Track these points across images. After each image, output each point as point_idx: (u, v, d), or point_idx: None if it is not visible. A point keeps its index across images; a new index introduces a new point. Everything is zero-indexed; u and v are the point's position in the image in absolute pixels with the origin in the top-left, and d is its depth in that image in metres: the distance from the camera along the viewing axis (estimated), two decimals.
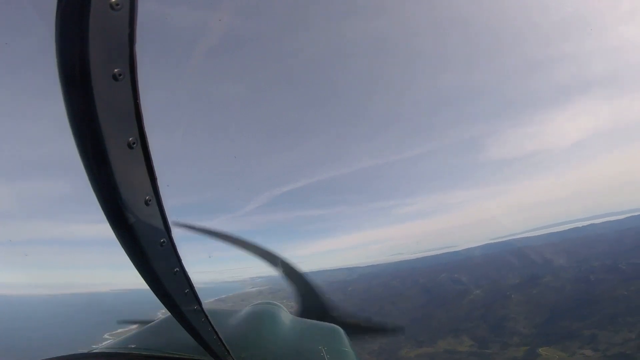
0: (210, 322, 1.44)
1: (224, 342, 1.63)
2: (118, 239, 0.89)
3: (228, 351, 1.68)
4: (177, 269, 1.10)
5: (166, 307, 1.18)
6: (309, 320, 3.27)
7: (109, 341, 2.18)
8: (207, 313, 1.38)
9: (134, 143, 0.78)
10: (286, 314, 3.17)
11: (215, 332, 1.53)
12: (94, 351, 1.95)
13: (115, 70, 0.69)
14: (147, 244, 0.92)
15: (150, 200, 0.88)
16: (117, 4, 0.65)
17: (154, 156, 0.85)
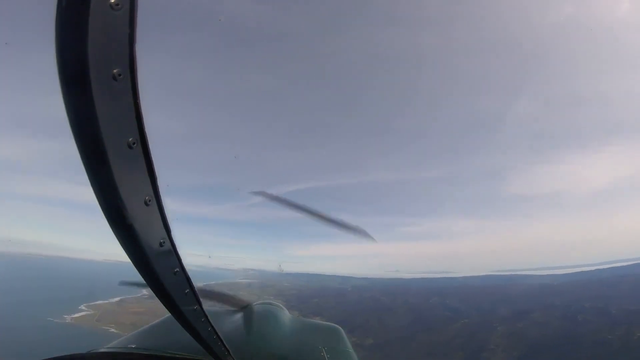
0: (210, 322, 1.44)
1: (224, 342, 1.63)
2: (118, 239, 0.89)
3: (228, 351, 1.68)
4: (177, 269, 1.10)
5: (166, 307, 1.18)
6: (308, 320, 3.27)
7: (112, 342, 2.18)
8: (207, 313, 1.38)
9: (134, 143, 0.78)
10: (286, 314, 3.17)
11: (215, 332, 1.53)
12: (94, 351, 1.95)
13: (115, 70, 0.69)
14: (147, 244, 0.92)
15: (150, 200, 0.88)
16: (117, 4, 0.65)
17: (154, 156, 0.85)
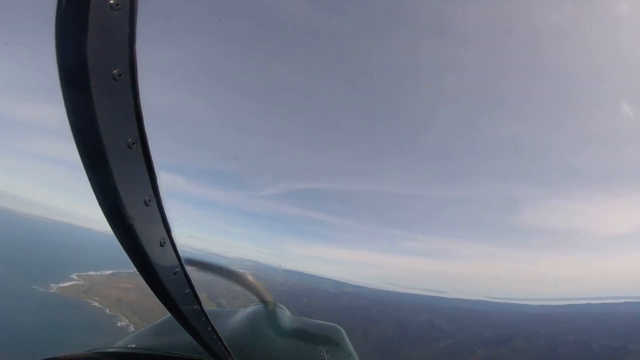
0: (210, 322, 1.44)
1: (224, 342, 1.63)
2: (118, 239, 0.89)
3: (228, 351, 1.68)
4: (177, 269, 1.10)
5: (166, 307, 1.18)
6: (309, 320, 3.27)
7: (109, 342, 2.18)
8: (207, 313, 1.38)
9: (134, 143, 0.78)
10: (286, 314, 3.17)
11: (215, 332, 1.53)
12: (94, 351, 1.95)
13: (115, 70, 0.69)
14: (147, 244, 0.92)
15: (150, 200, 0.88)
16: (117, 4, 0.65)
17: (153, 156, 0.85)
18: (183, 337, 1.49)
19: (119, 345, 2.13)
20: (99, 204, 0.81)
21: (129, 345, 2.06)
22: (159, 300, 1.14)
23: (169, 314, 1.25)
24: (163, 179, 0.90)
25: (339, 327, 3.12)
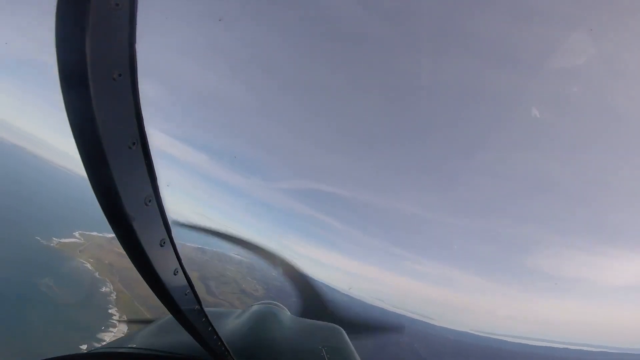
0: (210, 322, 1.44)
1: (224, 342, 1.63)
2: (118, 238, 0.89)
3: (228, 351, 1.68)
4: (177, 269, 1.10)
5: (166, 307, 1.18)
6: (309, 320, 3.27)
7: (112, 342, 2.18)
8: (207, 313, 1.38)
9: (134, 143, 0.78)
10: (286, 314, 3.17)
11: (215, 332, 1.53)
12: (94, 351, 1.96)
13: (115, 70, 0.69)
14: (147, 244, 0.92)
15: (150, 200, 0.88)
16: (117, 4, 0.65)
17: (154, 156, 0.85)
18: (183, 337, 1.50)
19: (119, 345, 2.13)
20: (99, 203, 0.81)
21: (129, 345, 2.07)
22: (159, 300, 1.14)
23: (169, 314, 1.25)
24: (164, 179, 0.90)
25: (339, 327, 3.13)
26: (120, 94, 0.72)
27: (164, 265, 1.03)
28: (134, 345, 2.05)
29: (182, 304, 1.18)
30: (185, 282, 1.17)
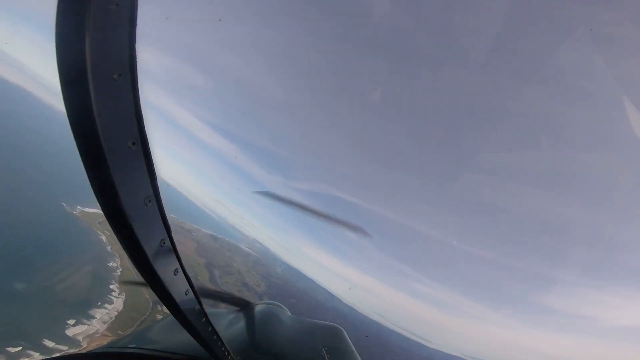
0: (210, 322, 1.44)
1: (224, 342, 1.63)
2: (118, 238, 0.89)
3: (228, 351, 1.68)
4: (177, 269, 1.10)
5: (166, 307, 1.18)
6: (309, 320, 3.27)
7: (112, 342, 2.18)
8: (207, 313, 1.38)
9: (133, 143, 0.78)
10: (287, 314, 3.17)
11: (215, 332, 1.53)
12: (94, 351, 1.96)
13: (115, 70, 0.69)
14: (147, 244, 0.92)
15: (150, 200, 0.88)
16: (117, 4, 0.65)
17: (154, 156, 0.85)
18: (183, 337, 1.50)
19: (119, 345, 2.13)
20: (99, 203, 0.81)
21: (129, 345, 2.07)
22: (159, 300, 1.14)
23: (169, 314, 1.25)
24: (164, 179, 0.90)
25: (340, 327, 3.13)
26: (120, 94, 0.72)
27: (164, 265, 1.03)
28: (134, 345, 2.05)
29: (182, 304, 1.18)
30: (185, 282, 1.17)
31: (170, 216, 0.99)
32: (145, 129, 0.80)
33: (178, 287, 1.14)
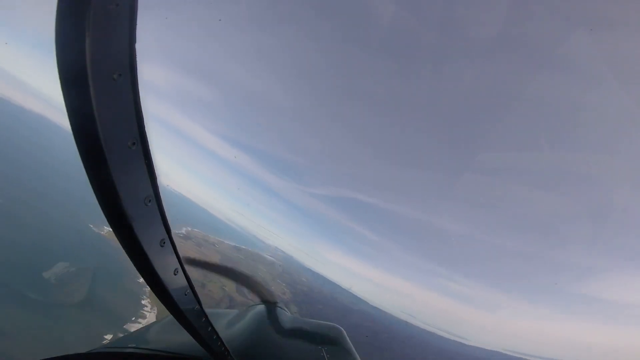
0: (210, 322, 1.44)
1: (224, 342, 1.63)
2: (118, 239, 0.89)
3: (228, 351, 1.68)
4: (177, 269, 1.10)
5: (166, 307, 1.18)
6: (309, 320, 3.27)
7: (112, 342, 2.19)
8: (207, 313, 1.38)
9: (133, 143, 0.78)
10: (286, 314, 3.17)
11: (215, 332, 1.53)
12: (94, 351, 1.96)
13: (115, 70, 0.69)
14: (147, 244, 0.92)
15: (150, 200, 0.88)
16: (117, 4, 0.65)
17: (154, 156, 0.85)
18: (183, 337, 1.50)
19: (119, 345, 2.13)
20: (99, 203, 0.81)
21: (129, 345, 2.07)
22: (159, 300, 1.14)
23: (169, 314, 1.25)
24: (164, 179, 0.90)
25: (339, 327, 3.13)
26: (120, 94, 0.72)
27: (164, 265, 1.03)
28: (134, 345, 2.05)
29: (182, 304, 1.18)
30: (185, 282, 1.17)
31: (170, 216, 0.99)
32: (145, 129, 0.80)
33: (178, 287, 1.14)
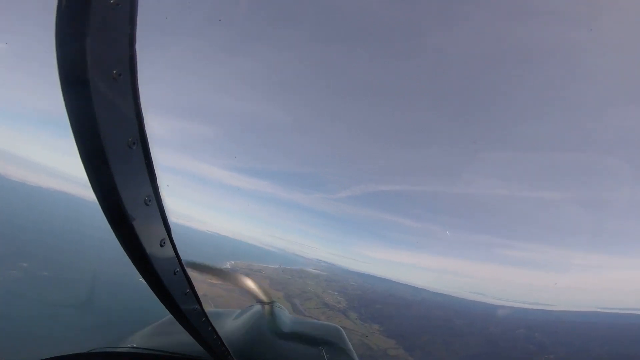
0: (210, 322, 1.44)
1: (224, 342, 1.63)
2: (118, 239, 0.89)
3: (228, 351, 1.68)
4: (177, 269, 1.10)
5: (166, 307, 1.18)
6: (308, 320, 3.28)
7: (112, 342, 2.19)
8: (207, 313, 1.38)
9: (134, 143, 0.78)
10: (286, 314, 3.18)
11: (215, 332, 1.53)
12: (94, 351, 1.96)
13: (115, 70, 0.69)
14: (147, 244, 0.92)
15: (150, 200, 0.88)
16: (117, 4, 0.65)
17: (154, 156, 0.85)
18: (183, 337, 1.50)
19: (119, 345, 2.13)
20: (99, 203, 0.81)
21: (129, 345, 2.07)
22: (159, 300, 1.14)
23: (169, 314, 1.25)
24: (164, 179, 0.90)
25: (339, 327, 3.13)
26: (120, 93, 0.72)
27: (164, 265, 1.03)
28: (134, 345, 2.05)
29: (182, 304, 1.18)
30: (185, 282, 1.17)
31: (170, 216, 0.99)
32: (145, 129, 0.80)
33: (178, 287, 1.14)
